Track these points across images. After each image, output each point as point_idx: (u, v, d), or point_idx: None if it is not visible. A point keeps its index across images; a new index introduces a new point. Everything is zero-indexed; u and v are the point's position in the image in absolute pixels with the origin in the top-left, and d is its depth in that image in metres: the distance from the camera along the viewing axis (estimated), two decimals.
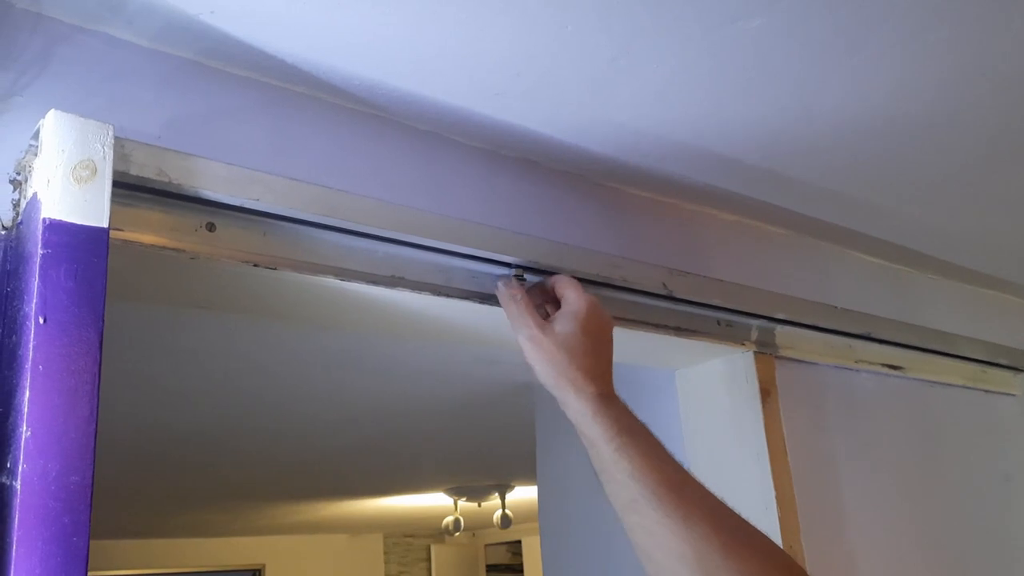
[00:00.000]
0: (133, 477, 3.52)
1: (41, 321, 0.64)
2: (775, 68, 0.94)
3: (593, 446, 0.82)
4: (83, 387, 0.64)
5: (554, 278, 0.96)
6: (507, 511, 5.46)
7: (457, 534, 6.25)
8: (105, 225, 0.69)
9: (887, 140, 1.13)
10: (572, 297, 0.91)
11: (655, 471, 0.77)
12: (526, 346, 0.88)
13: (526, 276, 0.98)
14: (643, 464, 0.78)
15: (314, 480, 4.38)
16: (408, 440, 3.20)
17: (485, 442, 3.41)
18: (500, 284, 0.95)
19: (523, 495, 5.15)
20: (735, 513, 0.78)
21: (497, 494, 5.22)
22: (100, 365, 0.66)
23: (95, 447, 0.64)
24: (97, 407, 0.65)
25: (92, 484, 0.63)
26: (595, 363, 0.86)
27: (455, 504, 5.52)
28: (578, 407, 0.84)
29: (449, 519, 5.89)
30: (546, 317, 0.91)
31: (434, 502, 5.67)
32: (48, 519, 0.61)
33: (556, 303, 0.94)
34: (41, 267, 0.65)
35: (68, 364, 0.64)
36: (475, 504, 5.42)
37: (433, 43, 0.88)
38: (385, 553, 8.23)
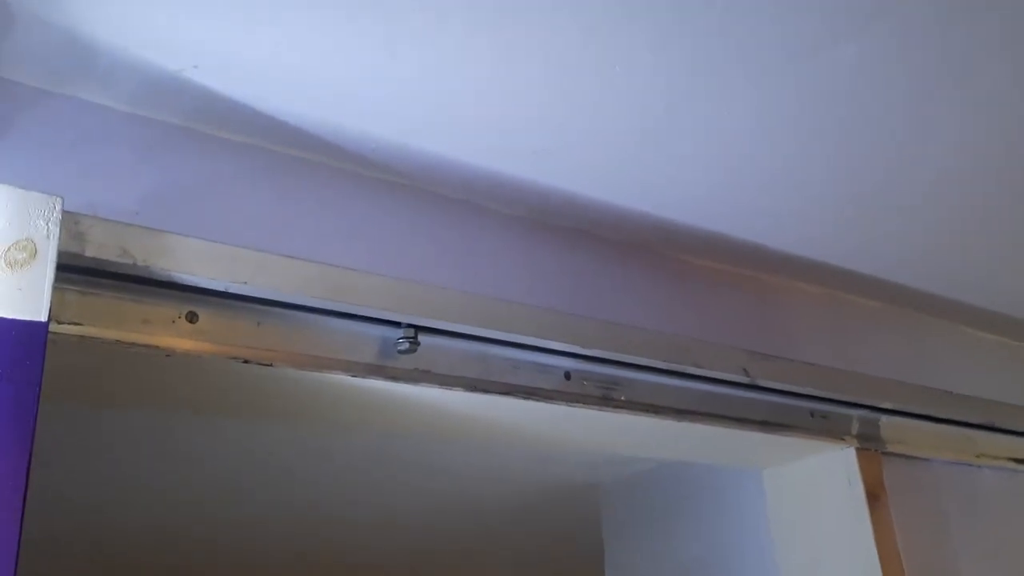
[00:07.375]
0: None
1: None
2: (871, 106, 0.78)
3: None
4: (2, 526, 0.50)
5: None
6: None
7: None
8: (43, 319, 0.56)
9: (999, 190, 0.95)
10: None
11: None
12: None
13: None
14: None
15: None
16: (463, 545, 2.98)
17: (550, 548, 3.17)
18: None
19: None
20: None
21: None
22: (25, 497, 0.52)
23: None
24: (18, 548, 0.50)
25: None
26: None
27: None
28: None
29: None
30: None
31: None
32: None
33: None
34: None
35: None
36: None
37: (460, 93, 0.74)
38: None
